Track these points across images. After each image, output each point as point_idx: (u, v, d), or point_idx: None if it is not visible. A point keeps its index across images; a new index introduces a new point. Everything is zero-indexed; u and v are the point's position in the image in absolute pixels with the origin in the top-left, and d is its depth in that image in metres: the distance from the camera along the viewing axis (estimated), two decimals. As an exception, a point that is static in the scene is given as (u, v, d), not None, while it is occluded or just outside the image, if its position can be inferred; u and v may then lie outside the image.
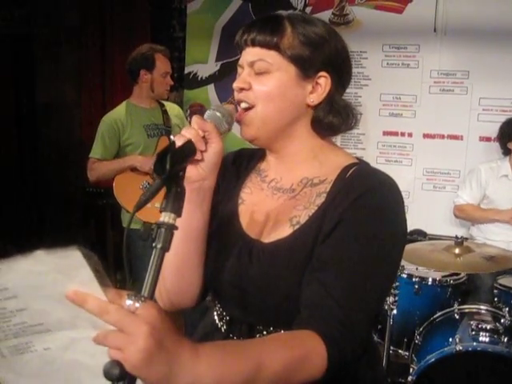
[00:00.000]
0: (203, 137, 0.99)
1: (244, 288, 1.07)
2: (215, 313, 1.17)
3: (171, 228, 0.79)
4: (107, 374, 0.68)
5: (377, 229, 1.01)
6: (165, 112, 3.31)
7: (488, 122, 3.82)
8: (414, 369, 2.52)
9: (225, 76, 4.51)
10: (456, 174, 3.99)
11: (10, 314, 0.74)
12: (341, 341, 0.91)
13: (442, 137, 4.02)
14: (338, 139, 4.58)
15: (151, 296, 0.73)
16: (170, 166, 0.79)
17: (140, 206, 0.79)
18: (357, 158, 1.15)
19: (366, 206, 1.02)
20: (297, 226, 1.06)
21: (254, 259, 1.08)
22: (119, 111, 3.22)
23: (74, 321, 0.73)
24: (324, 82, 1.09)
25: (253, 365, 0.81)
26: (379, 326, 2.97)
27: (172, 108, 3.43)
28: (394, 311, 2.77)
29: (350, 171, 1.08)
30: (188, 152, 0.89)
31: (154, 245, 0.77)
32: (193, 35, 4.63)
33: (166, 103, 3.41)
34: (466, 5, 3.80)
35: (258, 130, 1.09)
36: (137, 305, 0.70)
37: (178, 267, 1.09)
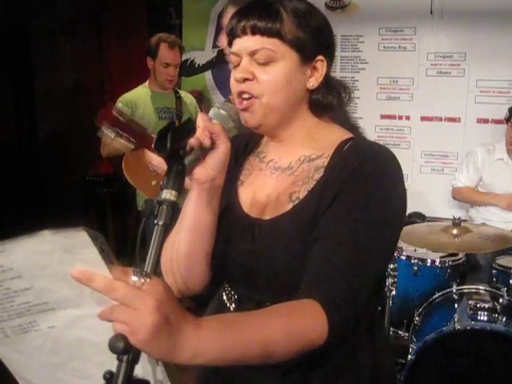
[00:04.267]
0: (210, 137, 0.98)
1: (249, 266, 1.09)
2: (224, 293, 1.19)
3: (172, 205, 0.81)
4: (112, 348, 0.70)
5: (375, 197, 1.02)
6: (179, 98, 3.45)
7: (485, 103, 3.84)
8: (413, 349, 2.54)
9: (222, 62, 4.47)
10: (454, 156, 4.01)
11: (14, 294, 0.75)
12: (341, 306, 0.92)
13: (440, 119, 4.04)
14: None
15: (154, 272, 0.75)
16: (171, 144, 0.80)
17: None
18: (352, 130, 1.16)
19: (363, 176, 1.02)
20: (296, 202, 1.07)
21: (257, 237, 1.09)
22: (135, 93, 3.37)
23: (79, 299, 0.75)
24: (321, 65, 1.10)
25: (253, 335, 0.83)
26: (379, 308, 3.00)
27: (186, 96, 3.57)
28: (393, 292, 2.81)
29: (347, 145, 1.09)
30: (188, 130, 0.90)
31: (155, 222, 0.79)
32: (189, 22, 4.63)
33: (180, 91, 3.58)
34: (463, -14, 3.81)
35: (263, 118, 1.09)
36: (142, 281, 0.72)
37: (189, 259, 1.10)
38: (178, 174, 0.82)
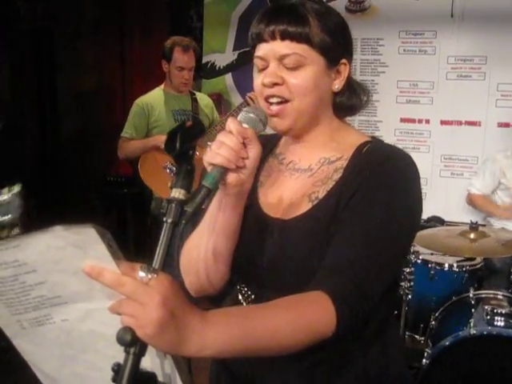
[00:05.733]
0: (243, 142, 0.99)
1: (269, 266, 1.10)
2: (239, 293, 1.19)
3: (181, 203, 0.83)
4: (120, 340, 0.72)
5: (392, 197, 1.04)
6: (195, 100, 3.50)
7: (506, 107, 3.81)
8: (428, 353, 2.53)
9: (242, 65, 4.54)
10: (474, 160, 3.98)
11: (29, 288, 0.78)
12: (350, 300, 0.93)
13: (460, 123, 4.01)
14: (355, 126, 4.59)
15: (161, 268, 0.78)
16: (180, 145, 0.83)
17: (189, 217, 0.84)
18: (371, 137, 1.18)
19: (381, 176, 1.05)
20: (316, 201, 1.09)
21: (276, 237, 1.10)
22: (151, 95, 3.44)
23: (90, 293, 0.78)
24: (343, 68, 1.12)
25: (260, 327, 0.85)
26: (395, 312, 2.99)
27: (202, 98, 3.62)
28: (409, 296, 2.81)
29: (366, 147, 1.11)
30: (197, 131, 0.92)
31: (164, 219, 0.81)
32: (210, 25, 4.67)
33: (197, 93, 3.62)
34: (483, -11, 3.78)
35: (294, 123, 1.10)
36: (149, 276, 0.75)
37: (215, 259, 1.12)
38: (186, 173, 0.84)
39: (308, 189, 1.12)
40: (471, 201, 3.66)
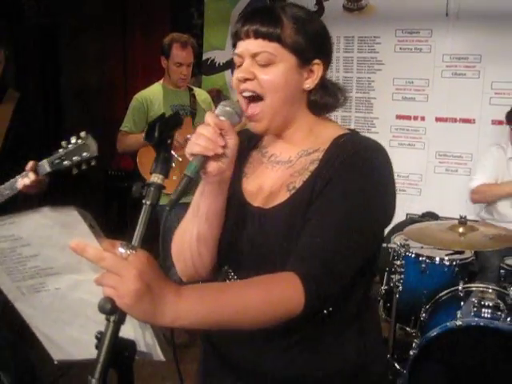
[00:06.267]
0: (220, 133, 1.06)
1: (251, 251, 1.17)
2: (226, 278, 1.25)
3: (159, 187, 0.91)
4: (101, 308, 0.80)
5: (363, 185, 1.09)
6: (193, 95, 3.55)
7: (500, 105, 3.84)
8: (416, 343, 2.58)
9: (242, 62, 4.63)
10: (468, 157, 4.05)
11: (25, 259, 0.88)
12: (319, 281, 0.99)
13: (455, 120, 4.09)
14: (351, 123, 4.64)
15: (140, 245, 0.85)
16: (159, 134, 0.91)
17: (173, 204, 0.94)
18: (349, 129, 1.25)
19: (353, 166, 1.10)
20: (293, 191, 1.15)
21: (257, 224, 1.17)
22: (150, 90, 3.49)
23: (78, 266, 0.86)
24: (317, 68, 1.18)
25: (231, 301, 0.93)
26: (387, 304, 3.06)
27: (200, 93, 3.68)
28: (400, 288, 2.86)
29: (342, 140, 1.18)
30: (175, 122, 1.00)
31: (143, 201, 0.89)
32: (210, 22, 4.76)
33: (195, 88, 3.68)
34: (478, -11, 3.84)
35: (268, 124, 1.17)
36: (128, 252, 0.83)
37: (200, 244, 1.19)
38: (164, 160, 0.93)
39: (286, 179, 1.18)
40: (477, 193, 3.46)
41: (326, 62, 1.20)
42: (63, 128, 5.35)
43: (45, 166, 2.00)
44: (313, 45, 1.16)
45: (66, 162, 1.97)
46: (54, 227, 0.83)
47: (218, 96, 4.45)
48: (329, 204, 1.08)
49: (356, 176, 1.10)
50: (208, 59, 4.79)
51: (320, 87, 1.19)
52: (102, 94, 5.15)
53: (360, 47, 4.25)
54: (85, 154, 1.96)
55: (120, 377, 0.86)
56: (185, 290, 0.88)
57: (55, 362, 1.07)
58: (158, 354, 0.95)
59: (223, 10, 4.68)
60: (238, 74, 1.16)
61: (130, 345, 0.87)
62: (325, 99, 1.20)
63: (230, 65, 4.73)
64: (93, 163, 1.99)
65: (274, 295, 0.97)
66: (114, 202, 4.97)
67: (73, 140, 1.96)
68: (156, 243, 0.99)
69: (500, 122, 3.85)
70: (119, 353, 0.84)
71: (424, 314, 2.86)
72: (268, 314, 0.97)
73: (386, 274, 3.12)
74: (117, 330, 0.82)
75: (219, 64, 4.79)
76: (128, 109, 3.47)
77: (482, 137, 3.98)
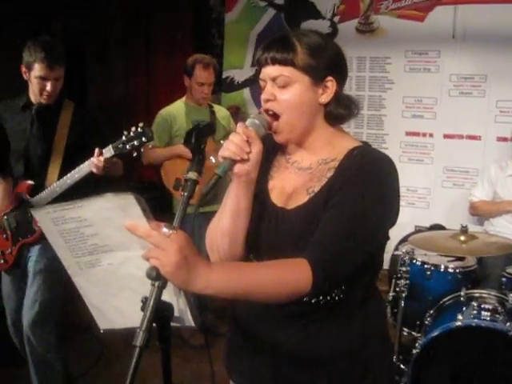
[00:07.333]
0: (247, 141, 1.26)
1: (275, 246, 1.35)
2: None
3: (195, 182, 1.14)
4: (148, 275, 1.02)
5: (372, 189, 1.26)
6: (212, 112, 3.79)
7: (505, 123, 4.02)
8: (419, 343, 2.73)
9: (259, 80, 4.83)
10: (474, 172, 4.20)
11: (86, 238, 1.09)
12: (326, 266, 1.18)
13: (461, 137, 4.24)
14: (363, 138, 4.82)
15: (179, 227, 1.08)
16: (195, 140, 1.14)
17: (203, 196, 1.15)
18: (362, 142, 1.43)
19: (364, 174, 1.28)
20: (312, 194, 1.33)
21: (280, 222, 1.35)
22: (174, 107, 3.74)
23: (129, 243, 1.07)
24: (331, 84, 1.35)
25: (251, 278, 1.14)
26: (394, 310, 3.21)
27: (220, 110, 3.92)
28: (405, 293, 3.02)
29: (355, 151, 1.34)
30: (208, 131, 1.23)
31: (182, 193, 1.11)
32: (230, 43, 5.00)
33: (215, 105, 3.91)
34: (483, 13, 4.01)
35: (288, 135, 1.36)
36: (170, 232, 1.05)
37: (231, 236, 1.37)
38: (199, 161, 1.16)
39: (306, 184, 1.37)
40: (474, 209, 3.82)
41: (340, 78, 1.37)
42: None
43: (110, 149, 2.49)
44: (324, 64, 1.33)
45: (128, 146, 2.45)
46: (113, 210, 1.04)
47: (236, 112, 4.67)
48: (341, 205, 1.27)
49: (366, 183, 1.27)
50: (228, 77, 5.01)
51: (335, 100, 1.36)
52: (126, 108, 5.37)
53: (372, 67, 4.44)
54: (143, 138, 2.43)
55: (159, 330, 1.08)
56: (215, 265, 1.11)
57: (101, 331, 1.28)
58: (189, 320, 1.16)
59: (242, 32, 4.91)
60: (263, 96, 1.37)
61: (169, 306, 1.09)
62: (339, 110, 1.37)
63: (248, 83, 4.95)
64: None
65: (287, 275, 1.18)
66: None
67: (133, 129, 2.43)
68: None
69: (505, 139, 4.01)
70: (160, 312, 1.06)
71: (428, 319, 2.98)
72: (280, 290, 1.17)
73: (393, 280, 3.26)
74: (160, 293, 1.04)
75: (238, 82, 5.00)
76: (153, 124, 3.67)
77: (488, 153, 4.13)
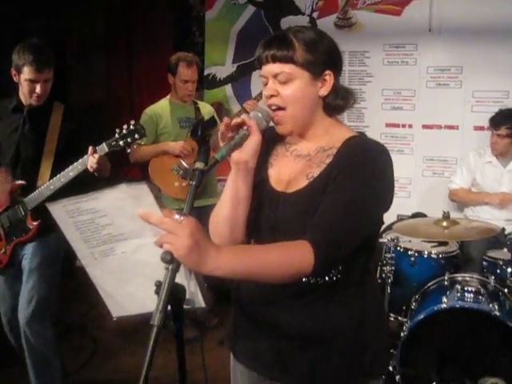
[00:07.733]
0: (247, 129, 1.33)
1: (276, 228, 1.41)
2: None
3: (201, 171, 1.21)
4: (163, 259, 1.09)
5: (368, 176, 1.33)
6: (197, 109, 3.83)
7: (481, 112, 4.14)
8: (406, 327, 2.84)
9: (241, 76, 4.93)
10: (453, 160, 4.32)
11: (101, 228, 1.15)
12: (326, 247, 1.24)
13: (440, 127, 4.35)
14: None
15: (189, 213, 1.14)
16: (201, 133, 1.21)
17: (205, 172, 1.22)
18: (358, 132, 1.50)
19: (360, 162, 1.34)
20: (311, 179, 1.40)
21: (281, 205, 1.42)
22: (159, 105, 3.78)
23: (142, 231, 1.14)
24: (329, 77, 1.41)
25: (258, 259, 1.22)
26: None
27: (204, 107, 3.96)
28: (391, 279, 3.12)
29: (352, 140, 1.41)
30: (211, 124, 1.31)
31: (190, 182, 1.18)
32: (211, 40, 5.04)
33: (199, 102, 3.96)
34: (458, 6, 4.13)
35: (292, 127, 1.42)
36: (182, 218, 1.11)
37: (231, 222, 1.44)
38: (205, 152, 1.23)
39: (306, 170, 1.44)
40: (453, 195, 3.97)
41: (337, 70, 1.43)
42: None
43: (104, 147, 2.55)
44: (322, 59, 1.39)
45: (121, 143, 2.52)
46: (127, 199, 1.11)
47: (219, 108, 4.72)
48: (340, 189, 1.34)
49: (363, 169, 1.34)
50: (209, 74, 5.05)
51: (333, 92, 1.43)
52: (109, 108, 5.38)
53: (351, 61, 4.52)
54: (136, 135, 2.50)
55: (173, 311, 1.15)
56: (223, 247, 1.18)
57: (114, 319, 1.33)
58: (200, 301, 1.23)
59: (223, 29, 4.96)
60: (266, 92, 1.43)
61: (182, 288, 1.16)
62: (337, 102, 1.45)
63: (230, 79, 5.00)
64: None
65: (290, 256, 1.25)
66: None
67: (125, 127, 2.50)
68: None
69: (481, 128, 4.14)
70: (174, 294, 1.13)
71: (414, 303, 3.09)
72: (285, 270, 1.25)
73: (379, 267, 3.29)
74: (173, 276, 1.11)
75: (220, 79, 5.04)
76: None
77: (466, 142, 4.24)
